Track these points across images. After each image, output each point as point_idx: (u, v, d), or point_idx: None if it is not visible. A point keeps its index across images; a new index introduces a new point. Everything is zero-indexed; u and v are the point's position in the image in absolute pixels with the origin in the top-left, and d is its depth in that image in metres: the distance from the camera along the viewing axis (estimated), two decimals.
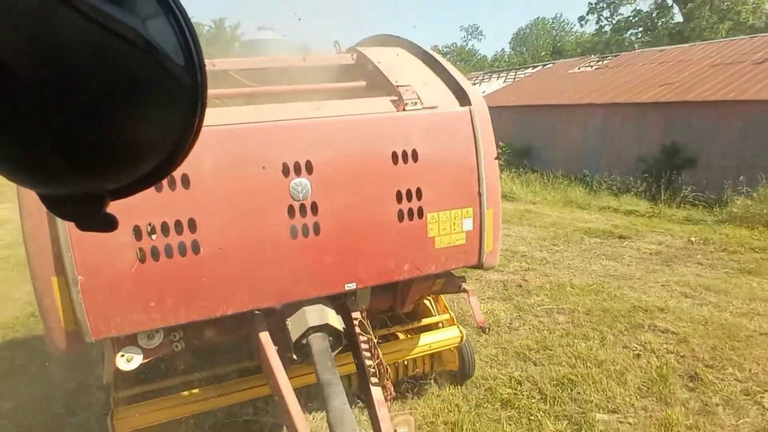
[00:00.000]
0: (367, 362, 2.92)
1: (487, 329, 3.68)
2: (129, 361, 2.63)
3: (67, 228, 2.26)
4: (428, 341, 3.69)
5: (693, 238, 8.65)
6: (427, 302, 4.04)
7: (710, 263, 7.38)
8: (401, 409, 3.48)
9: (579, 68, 20.70)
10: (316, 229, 2.64)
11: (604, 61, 20.40)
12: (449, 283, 3.36)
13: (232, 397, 3.14)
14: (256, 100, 3.37)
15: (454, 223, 2.93)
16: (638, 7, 37.84)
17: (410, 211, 2.81)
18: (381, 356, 2.94)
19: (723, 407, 3.83)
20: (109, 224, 0.63)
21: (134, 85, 0.50)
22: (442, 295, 3.97)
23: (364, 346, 2.96)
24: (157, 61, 0.50)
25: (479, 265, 3.08)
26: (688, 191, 11.71)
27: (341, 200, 2.67)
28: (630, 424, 3.70)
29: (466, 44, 64.66)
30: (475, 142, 2.91)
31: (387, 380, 2.89)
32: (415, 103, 2.90)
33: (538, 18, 63.20)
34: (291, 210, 2.58)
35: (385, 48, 3.73)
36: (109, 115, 0.50)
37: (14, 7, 0.43)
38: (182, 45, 0.52)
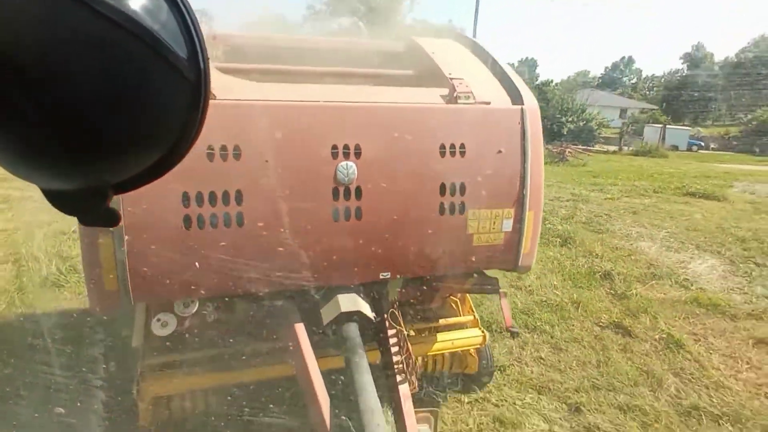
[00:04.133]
0: (395, 356, 2.87)
1: (516, 333, 3.60)
2: (164, 326, 2.69)
3: None
4: (449, 339, 3.62)
5: None
6: (452, 302, 3.95)
7: None
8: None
9: None
10: (358, 214, 2.62)
11: None
12: (481, 282, 3.30)
13: (254, 374, 3.12)
14: (309, 78, 3.27)
15: (494, 223, 2.87)
16: None
17: (452, 205, 2.77)
18: (411, 350, 2.91)
19: None
20: (112, 219, 0.63)
21: (138, 78, 0.49)
22: (468, 297, 3.91)
23: (392, 338, 2.91)
24: (161, 53, 0.49)
25: (514, 268, 3.02)
26: None
27: (385, 187, 2.64)
28: None
29: None
30: (524, 142, 2.85)
31: (413, 374, 2.85)
32: (468, 97, 2.84)
33: None
34: (336, 192, 2.57)
35: (441, 40, 3.65)
36: (113, 109, 0.50)
37: (20, 4, 0.44)
38: (186, 38, 0.52)
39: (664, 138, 34.05)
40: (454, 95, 2.84)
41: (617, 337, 4.90)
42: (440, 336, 3.59)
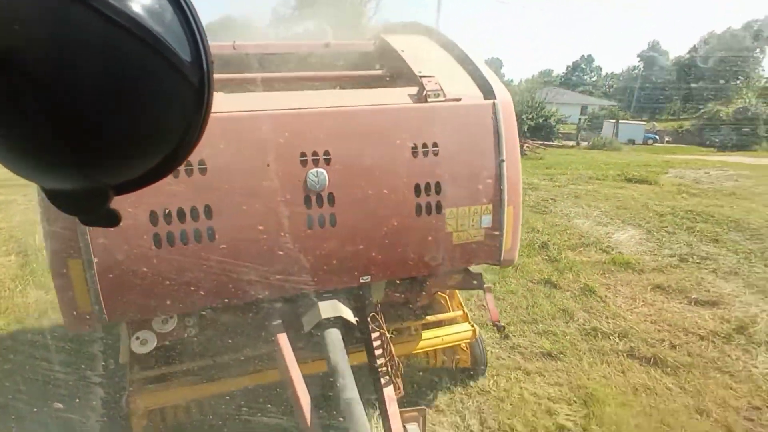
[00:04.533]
0: (379, 358, 2.88)
1: (502, 327, 3.60)
2: (143, 344, 2.68)
3: None
4: (439, 335, 3.62)
5: None
6: (441, 298, 3.98)
7: None
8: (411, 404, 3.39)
9: None
10: (333, 221, 2.61)
11: None
12: (466, 278, 3.31)
13: (243, 381, 3.14)
14: (275, 85, 3.32)
15: (473, 219, 2.86)
16: None
17: (428, 205, 2.76)
18: (393, 352, 2.88)
19: None
20: (112, 220, 0.62)
21: (141, 80, 0.50)
22: (457, 292, 3.95)
23: (376, 341, 2.91)
24: (164, 56, 0.50)
25: (497, 262, 3.04)
26: None
27: (358, 192, 2.63)
28: None
29: None
30: (497, 137, 2.83)
31: (398, 377, 2.84)
32: (438, 95, 2.82)
33: None
34: (308, 200, 2.57)
35: (411, 36, 3.65)
36: (115, 110, 0.50)
37: (24, 5, 0.44)
38: (190, 41, 0.53)
39: (617, 132, 36.07)
40: (424, 94, 2.81)
41: (545, 288, 6.10)
42: (429, 333, 3.60)
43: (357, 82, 3.47)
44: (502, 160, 2.83)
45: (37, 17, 0.44)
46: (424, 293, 3.36)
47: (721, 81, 50.92)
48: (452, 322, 3.78)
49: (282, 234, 2.54)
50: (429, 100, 2.80)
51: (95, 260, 2.29)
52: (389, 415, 2.61)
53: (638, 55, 74.96)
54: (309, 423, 2.44)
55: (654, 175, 14.40)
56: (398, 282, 3.16)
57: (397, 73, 3.21)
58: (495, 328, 3.52)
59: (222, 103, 2.59)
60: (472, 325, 3.73)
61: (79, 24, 0.45)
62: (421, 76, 2.91)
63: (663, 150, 30.93)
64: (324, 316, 2.76)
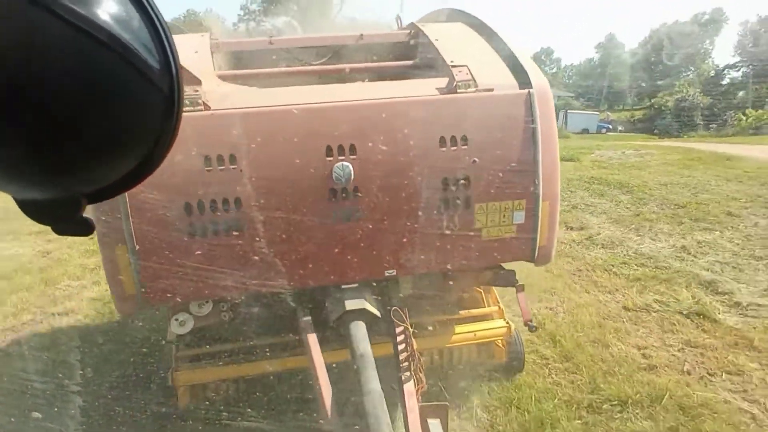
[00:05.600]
0: (401, 353, 2.85)
1: (534, 328, 3.43)
2: (182, 325, 2.85)
3: (127, 198, 2.40)
4: (472, 331, 3.53)
5: None
6: (477, 293, 3.89)
7: None
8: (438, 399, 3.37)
9: None
10: (358, 214, 2.63)
11: None
12: (498, 276, 3.22)
13: (275, 365, 3.23)
14: (306, 79, 3.38)
15: (505, 215, 2.77)
16: None
17: (456, 199, 2.71)
18: (415, 346, 2.85)
19: None
20: (85, 228, 0.61)
21: (109, 88, 0.50)
22: (494, 288, 3.80)
23: (399, 336, 2.89)
24: (132, 62, 0.49)
25: (531, 260, 2.95)
26: None
27: (383, 185, 2.62)
28: None
29: None
30: (532, 128, 2.72)
31: (420, 371, 2.80)
32: (468, 86, 2.75)
33: None
34: (333, 193, 2.59)
35: (448, 24, 3.62)
36: (84, 119, 0.50)
37: None
38: (158, 48, 0.53)
39: (566, 122, 38.63)
40: (454, 84, 2.75)
41: None
42: (462, 328, 3.51)
43: (388, 73, 3.43)
44: (537, 153, 2.71)
45: (1, 25, 0.43)
46: (454, 288, 3.32)
47: (672, 72, 53.86)
48: (487, 317, 3.66)
49: (307, 226, 2.59)
50: (459, 90, 2.73)
51: (137, 247, 2.45)
52: (407, 409, 2.59)
53: (595, 47, 78.42)
54: (327, 410, 2.50)
55: (580, 155, 16.53)
56: (427, 276, 3.10)
57: (431, 63, 3.15)
58: (527, 327, 3.35)
59: (251, 98, 2.74)
60: (508, 322, 3.59)
61: (44, 32, 0.44)
62: (452, 66, 2.85)
63: (612, 138, 33.03)
64: (348, 307, 2.77)
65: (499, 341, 3.72)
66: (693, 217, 8.21)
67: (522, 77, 2.83)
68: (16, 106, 0.46)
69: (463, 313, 3.61)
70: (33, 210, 0.59)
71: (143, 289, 2.56)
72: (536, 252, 2.89)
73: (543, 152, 2.72)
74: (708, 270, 6.00)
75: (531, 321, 3.31)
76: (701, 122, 36.48)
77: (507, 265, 3.23)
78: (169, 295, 2.61)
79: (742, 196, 9.37)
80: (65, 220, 0.60)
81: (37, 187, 0.56)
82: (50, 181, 0.54)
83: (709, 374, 3.94)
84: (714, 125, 35.64)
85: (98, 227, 2.52)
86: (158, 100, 0.55)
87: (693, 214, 8.40)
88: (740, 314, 4.91)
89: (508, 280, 3.19)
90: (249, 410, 3.40)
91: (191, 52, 3.10)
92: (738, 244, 6.84)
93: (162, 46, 0.53)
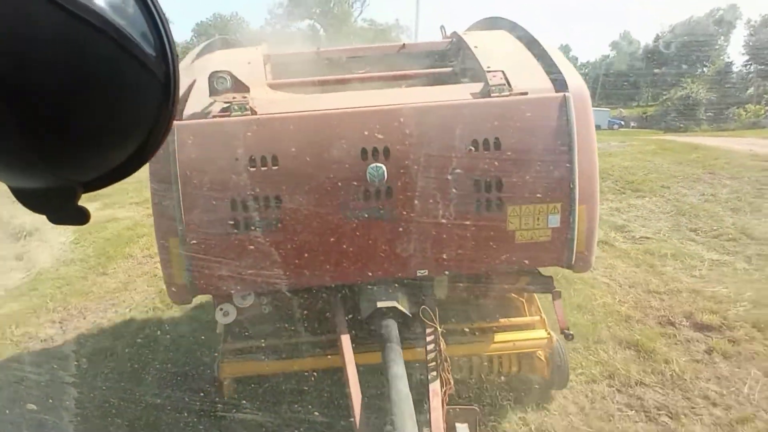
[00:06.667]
0: (429, 353, 2.87)
1: (570, 336, 3.31)
2: (225, 315, 2.99)
3: (180, 192, 2.58)
4: (510, 340, 3.43)
5: None
6: (518, 301, 3.85)
7: None
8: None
9: None
10: (390, 214, 2.71)
11: None
12: (535, 281, 3.24)
13: (316, 363, 3.29)
14: (351, 86, 3.52)
15: (539, 219, 2.76)
16: None
17: (488, 202, 2.73)
18: (443, 347, 2.86)
19: None
20: (81, 218, 0.61)
21: (104, 75, 0.49)
22: (536, 296, 3.74)
23: (428, 336, 2.92)
24: (127, 49, 0.49)
25: (568, 266, 2.93)
26: None
27: (415, 187, 2.69)
28: None
29: None
30: (568, 131, 2.70)
31: (447, 372, 2.79)
32: (501, 89, 2.80)
33: None
34: (367, 193, 2.69)
35: (490, 31, 3.74)
36: (79, 107, 0.49)
37: None
38: (155, 36, 0.52)
39: None
40: (488, 89, 2.81)
41: None
42: (500, 336, 3.42)
43: (428, 80, 3.56)
44: (573, 156, 2.68)
45: None
46: (489, 293, 3.34)
47: (685, 68, 54.24)
48: (527, 327, 3.55)
49: (342, 224, 2.70)
50: (492, 95, 2.78)
51: (187, 240, 2.63)
52: (431, 408, 2.59)
53: (609, 45, 78.65)
54: (358, 420, 2.53)
55: None
56: (462, 279, 3.14)
57: (469, 70, 3.25)
58: (562, 335, 3.30)
59: (294, 104, 2.92)
60: (549, 333, 3.46)
61: (38, 17, 0.44)
62: (487, 71, 2.91)
63: (619, 133, 34.22)
64: (379, 305, 2.85)
65: (541, 354, 3.59)
66: (634, 189, 10.04)
67: (558, 82, 2.89)
68: (9, 94, 0.45)
69: (502, 320, 3.53)
70: (27, 198, 0.58)
71: (191, 279, 2.72)
72: (573, 257, 2.85)
73: (580, 155, 2.71)
74: (624, 220, 8.46)
75: (567, 329, 3.28)
76: (704, 118, 38.06)
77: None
78: (213, 285, 2.78)
79: (681, 175, 11.54)
80: (60, 209, 0.59)
81: (31, 175, 0.55)
82: (44, 170, 0.53)
83: (591, 271, 4.41)
84: (717, 121, 37.19)
85: (155, 220, 2.78)
86: (154, 88, 0.54)
87: (636, 187, 10.15)
88: (631, 242, 7.39)
89: (545, 285, 3.24)
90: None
91: (244, 63, 3.34)
92: (657, 206, 9.13)
93: (158, 34, 0.53)
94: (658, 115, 44.56)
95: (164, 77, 0.55)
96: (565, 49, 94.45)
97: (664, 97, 46.08)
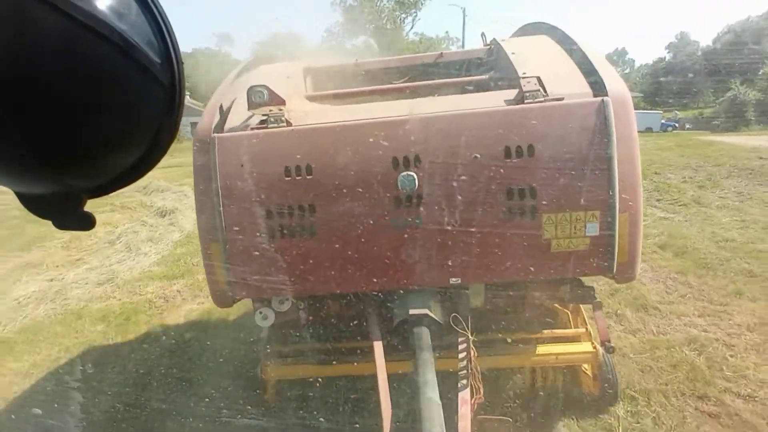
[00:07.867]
0: (461, 362, 2.85)
1: (612, 348, 3.14)
2: (264, 318, 3.05)
3: (221, 201, 2.66)
4: (554, 353, 3.33)
5: None
6: (563, 313, 3.77)
7: None
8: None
9: None
10: (420, 221, 2.70)
11: None
12: (575, 291, 3.13)
13: (356, 369, 3.31)
14: (387, 96, 3.61)
15: (576, 227, 2.68)
16: None
17: (522, 209, 2.68)
18: (474, 356, 2.83)
19: None
20: (86, 223, 0.61)
21: (109, 81, 0.50)
22: (582, 307, 3.65)
23: (460, 345, 2.91)
24: (132, 56, 0.50)
25: (610, 276, 2.85)
26: None
27: (446, 194, 2.67)
28: None
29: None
30: (607, 136, 2.60)
31: (477, 381, 2.76)
32: (535, 96, 2.73)
33: None
34: (398, 201, 2.71)
35: (530, 37, 3.75)
36: (83, 113, 0.50)
37: None
38: (160, 42, 0.53)
39: None
40: (521, 95, 2.76)
41: None
42: (542, 348, 3.33)
43: (461, 88, 3.61)
44: (612, 162, 2.58)
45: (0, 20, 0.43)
46: (527, 303, 3.25)
47: (744, 69, 53.34)
48: (571, 339, 3.43)
49: (374, 232, 2.71)
50: (526, 101, 2.72)
51: (227, 246, 2.72)
52: (459, 415, 2.56)
53: (666, 47, 77.31)
54: (385, 424, 2.55)
55: None
56: (498, 288, 3.11)
57: (505, 76, 3.22)
58: (603, 347, 3.18)
59: (328, 115, 3.00)
60: (595, 346, 3.33)
61: (42, 24, 0.44)
62: (522, 77, 2.85)
63: (667, 135, 35.16)
64: (411, 312, 2.87)
65: (587, 368, 3.50)
66: None
67: (597, 86, 2.79)
68: (15, 100, 0.46)
69: (545, 332, 3.44)
70: (33, 204, 0.58)
71: (231, 284, 2.82)
72: (615, 267, 2.73)
73: (620, 161, 2.61)
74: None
75: (609, 341, 3.20)
76: (753, 118, 38.43)
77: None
78: (252, 290, 2.86)
79: (676, 164, 13.24)
80: (65, 214, 0.60)
81: (35, 182, 0.55)
82: (48, 177, 0.53)
83: None
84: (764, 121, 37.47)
85: (198, 227, 2.87)
86: (159, 95, 0.55)
87: None
88: None
89: (585, 296, 3.14)
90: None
91: (284, 77, 3.45)
92: (645, 188, 11.72)
93: (164, 41, 0.53)
94: (714, 117, 44.43)
95: (169, 84, 0.55)
96: (622, 53, 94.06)
97: (721, 99, 45.84)
